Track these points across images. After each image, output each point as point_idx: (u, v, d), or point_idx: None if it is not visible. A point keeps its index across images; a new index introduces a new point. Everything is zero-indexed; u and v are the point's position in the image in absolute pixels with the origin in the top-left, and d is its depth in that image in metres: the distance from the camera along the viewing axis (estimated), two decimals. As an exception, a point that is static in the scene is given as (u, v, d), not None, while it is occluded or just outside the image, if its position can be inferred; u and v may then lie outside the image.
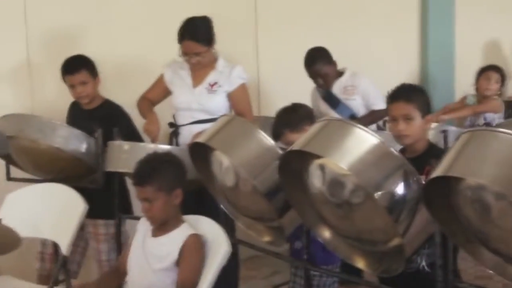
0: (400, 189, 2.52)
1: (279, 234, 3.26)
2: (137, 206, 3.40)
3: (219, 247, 2.94)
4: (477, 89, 5.45)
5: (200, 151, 3.34)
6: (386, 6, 6.05)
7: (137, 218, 3.28)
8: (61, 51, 4.46)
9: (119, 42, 4.99)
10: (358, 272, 3.36)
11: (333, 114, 4.91)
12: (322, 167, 2.72)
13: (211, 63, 4.26)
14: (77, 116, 4.29)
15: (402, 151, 3.09)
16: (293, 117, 3.61)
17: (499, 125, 4.77)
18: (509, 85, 5.67)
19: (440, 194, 2.45)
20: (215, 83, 4.24)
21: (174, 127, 4.35)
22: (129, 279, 3.09)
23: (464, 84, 5.85)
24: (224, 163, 3.19)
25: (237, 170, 3.11)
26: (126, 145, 3.87)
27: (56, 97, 4.66)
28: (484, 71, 5.44)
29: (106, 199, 3.96)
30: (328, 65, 4.92)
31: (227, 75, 4.25)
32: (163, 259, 2.96)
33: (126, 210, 4.15)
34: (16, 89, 4.77)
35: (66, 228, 3.54)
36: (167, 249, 2.96)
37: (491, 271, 2.53)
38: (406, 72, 5.91)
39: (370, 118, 4.80)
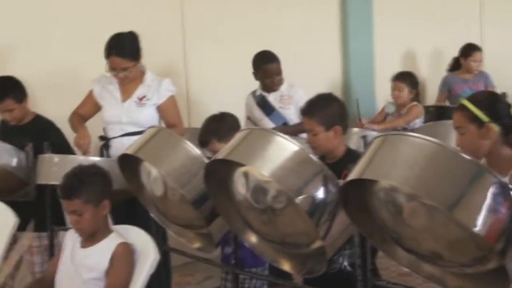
0: (320, 193, 2.63)
1: (209, 241, 3.35)
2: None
3: (147, 255, 3.00)
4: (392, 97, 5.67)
5: (129, 163, 3.41)
6: (308, 17, 6.17)
7: (70, 230, 3.33)
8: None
9: (51, 58, 5.01)
10: (287, 273, 3.47)
11: (267, 120, 5.08)
12: (246, 175, 2.82)
13: (139, 77, 4.35)
14: (8, 132, 4.30)
15: (322, 157, 3.21)
16: (220, 126, 3.71)
17: (416, 130, 4.96)
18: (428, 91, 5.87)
19: (357, 197, 2.56)
20: (144, 97, 4.33)
21: (105, 140, 4.41)
22: (57, 290, 3.12)
23: (384, 92, 6.05)
24: (152, 174, 3.27)
25: (165, 180, 3.19)
26: (56, 158, 3.92)
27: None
28: (395, 80, 5.62)
29: (38, 212, 3.99)
30: (280, 67, 5.08)
31: (156, 89, 4.34)
32: (93, 269, 3.00)
33: (58, 222, 4.18)
34: None
35: (-4, 241, 3.55)
36: (96, 259, 3.00)
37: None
38: (329, 81, 6.05)
39: (299, 127, 4.94)
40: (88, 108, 4.48)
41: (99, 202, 3.02)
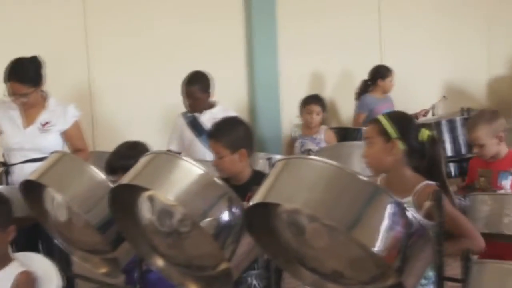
0: (225, 216, 2.67)
1: (115, 266, 3.31)
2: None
3: (50, 282, 2.96)
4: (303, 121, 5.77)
5: (32, 189, 3.34)
6: (214, 40, 6.22)
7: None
8: None
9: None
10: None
11: (197, 142, 5.10)
12: (151, 199, 2.82)
13: (42, 102, 4.30)
14: None
15: (227, 179, 3.24)
16: (132, 154, 3.70)
17: (319, 151, 5.07)
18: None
19: (261, 219, 2.61)
20: (47, 123, 4.28)
21: (5, 166, 4.32)
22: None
23: (289, 113, 6.16)
24: (56, 199, 3.21)
25: (69, 205, 3.15)
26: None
27: None
28: (306, 104, 5.73)
29: None
30: (203, 92, 5.09)
31: (60, 114, 4.30)
32: (-7, 298, 2.94)
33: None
34: None
35: None
36: (-3, 288, 2.95)
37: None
38: (235, 104, 6.10)
39: None
40: (-12, 134, 4.38)
41: (4, 228, 2.97)
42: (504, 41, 7.96)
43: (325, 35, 6.77)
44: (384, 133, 2.95)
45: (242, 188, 2.99)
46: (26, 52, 4.22)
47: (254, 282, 3.21)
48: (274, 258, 2.72)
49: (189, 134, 5.18)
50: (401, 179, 2.94)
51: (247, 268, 2.94)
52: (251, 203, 2.52)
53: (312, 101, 5.73)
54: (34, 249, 3.25)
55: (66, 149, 4.31)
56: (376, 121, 3.02)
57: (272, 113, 6.48)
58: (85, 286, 4.33)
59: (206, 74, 5.15)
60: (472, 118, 4.33)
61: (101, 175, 3.08)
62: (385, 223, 2.28)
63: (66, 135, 4.31)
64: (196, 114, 5.16)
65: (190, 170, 2.70)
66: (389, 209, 2.30)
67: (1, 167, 4.34)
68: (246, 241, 2.71)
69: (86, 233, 3.20)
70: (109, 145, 3.99)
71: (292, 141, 5.84)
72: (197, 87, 5.08)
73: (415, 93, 7.18)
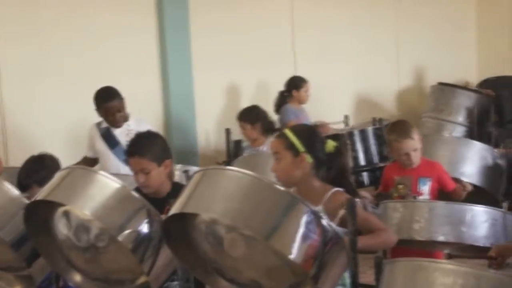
0: (143, 229, 2.67)
1: (30, 283, 3.24)
2: None
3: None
4: None
5: None
6: (128, 54, 6.17)
7: None
8: None
9: None
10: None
11: (110, 153, 5.03)
12: (67, 214, 2.79)
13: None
14: None
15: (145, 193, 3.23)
16: (40, 169, 3.65)
17: (236, 161, 5.11)
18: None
19: (180, 230, 2.63)
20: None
21: None
22: None
23: (205, 125, 6.16)
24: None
25: (-19, 222, 3.08)
26: None
27: None
28: (238, 120, 5.70)
29: None
30: (123, 106, 5.04)
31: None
32: None
33: None
34: None
35: None
36: None
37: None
38: (151, 117, 6.07)
39: None
40: None
41: None
42: (411, 55, 8.24)
43: (239, 48, 6.80)
44: (291, 147, 2.98)
45: (161, 201, 2.99)
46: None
47: None
48: (192, 269, 2.73)
49: (101, 146, 5.10)
50: (310, 191, 2.96)
51: (166, 279, 2.94)
52: (169, 214, 2.53)
53: (241, 117, 5.72)
54: None
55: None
56: (283, 136, 3.04)
57: (187, 126, 6.47)
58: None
59: (116, 88, 5.11)
60: (399, 127, 4.27)
61: (15, 190, 3.03)
62: (301, 231, 2.34)
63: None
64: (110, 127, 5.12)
65: (106, 184, 2.70)
66: (305, 218, 2.37)
67: None
68: (165, 254, 2.72)
69: (-1, 251, 3.14)
70: (23, 159, 3.91)
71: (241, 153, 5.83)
72: (116, 102, 5.03)
73: (328, 104, 7.30)
